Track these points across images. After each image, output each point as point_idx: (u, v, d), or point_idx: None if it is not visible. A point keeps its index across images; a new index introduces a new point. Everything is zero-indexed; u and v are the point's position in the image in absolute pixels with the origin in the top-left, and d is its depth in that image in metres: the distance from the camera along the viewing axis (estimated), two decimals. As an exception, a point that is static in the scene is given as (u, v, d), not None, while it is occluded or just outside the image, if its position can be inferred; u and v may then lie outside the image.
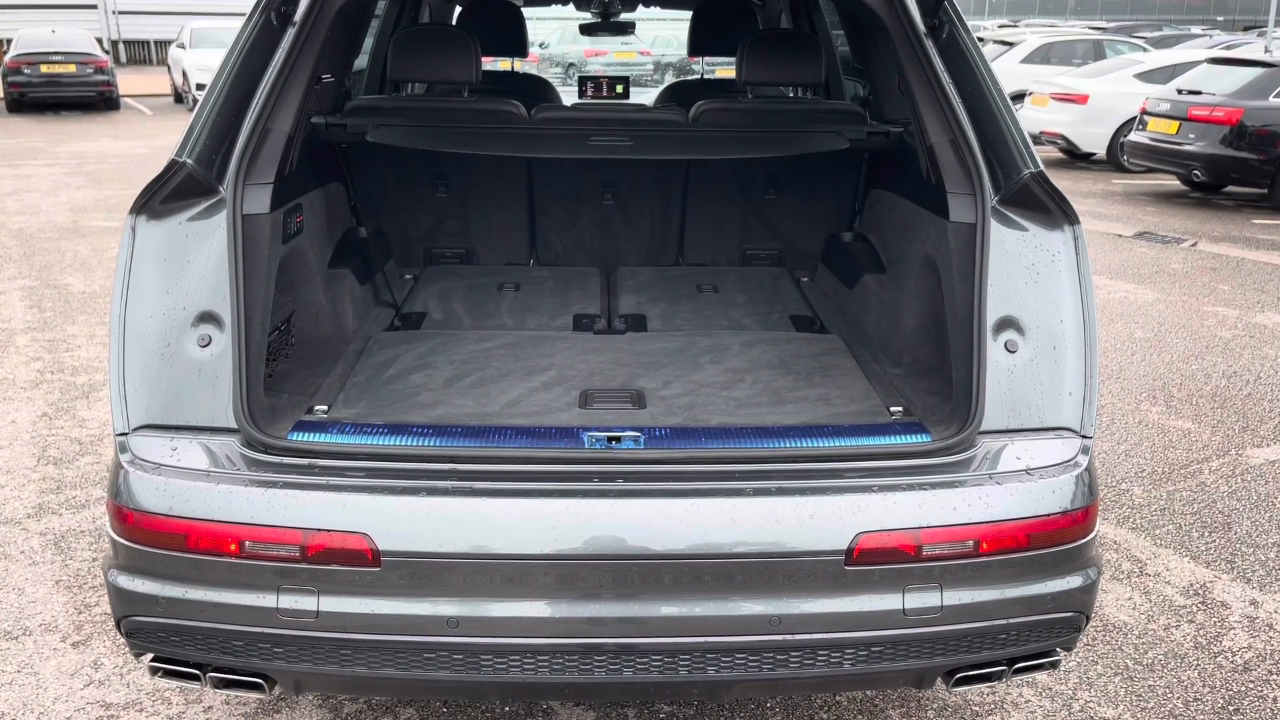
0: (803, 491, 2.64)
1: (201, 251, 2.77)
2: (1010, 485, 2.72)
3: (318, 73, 3.36)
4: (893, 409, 3.17)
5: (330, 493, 2.55)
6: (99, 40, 25.42)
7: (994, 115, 3.03)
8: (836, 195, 4.76)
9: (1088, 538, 2.79)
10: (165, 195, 2.75)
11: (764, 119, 4.50)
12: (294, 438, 2.81)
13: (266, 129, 3.01)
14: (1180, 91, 13.50)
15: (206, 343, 2.70)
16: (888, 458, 2.81)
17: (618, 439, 2.83)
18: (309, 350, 3.64)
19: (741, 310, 4.22)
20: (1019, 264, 2.90)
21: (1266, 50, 17.77)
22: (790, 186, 4.72)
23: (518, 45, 5.48)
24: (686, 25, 5.44)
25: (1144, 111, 13.73)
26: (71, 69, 22.22)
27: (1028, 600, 2.70)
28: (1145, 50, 19.69)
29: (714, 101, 4.51)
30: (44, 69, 22.02)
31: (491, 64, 6.52)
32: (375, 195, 4.70)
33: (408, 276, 4.71)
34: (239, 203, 2.83)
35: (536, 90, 5.88)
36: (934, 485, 2.69)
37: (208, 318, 2.72)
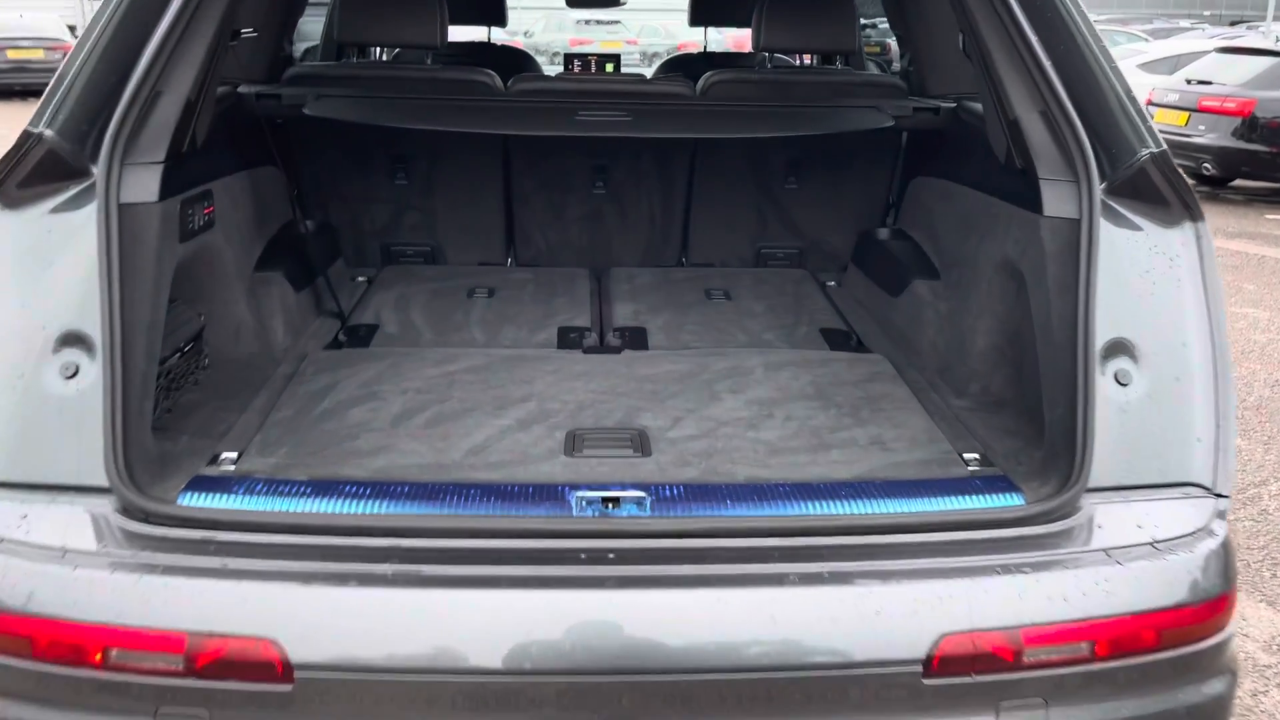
0: (865, 577, 2.02)
1: (67, 253, 2.10)
2: (1133, 565, 2.11)
3: (231, 24, 2.63)
4: (967, 456, 2.48)
5: (228, 580, 1.96)
6: (71, 27, 24.66)
7: (1096, 80, 2.37)
8: (868, 184, 4.04)
9: (1228, 632, 2.18)
10: (21, 178, 2.05)
11: (786, 92, 3.79)
12: (186, 501, 2.13)
13: (156, 93, 2.28)
14: (1189, 82, 12.94)
15: (72, 373, 2.07)
16: (972, 527, 2.15)
17: (615, 501, 2.18)
18: (225, 376, 2.89)
19: (761, 322, 3.50)
20: (1131, 271, 2.27)
21: (1278, 40, 17.20)
22: (814, 173, 4.00)
23: (494, 12, 4.74)
24: (673, 14, 4.66)
25: (1150, 102, 13.14)
26: (39, 54, 21.59)
27: (1156, 717, 2.11)
28: (1146, 41, 19.11)
29: (726, 72, 3.79)
30: (10, 54, 21.43)
31: (473, 38, 5.78)
32: (322, 182, 3.95)
33: (360, 279, 3.96)
34: (113, 188, 2.11)
35: (516, 64, 5.13)
36: (1035, 565, 2.08)
37: (74, 340, 2.07)
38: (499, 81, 3.74)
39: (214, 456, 2.40)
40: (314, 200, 3.98)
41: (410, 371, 2.94)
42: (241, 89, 3.37)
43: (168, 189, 2.35)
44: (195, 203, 2.61)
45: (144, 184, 2.27)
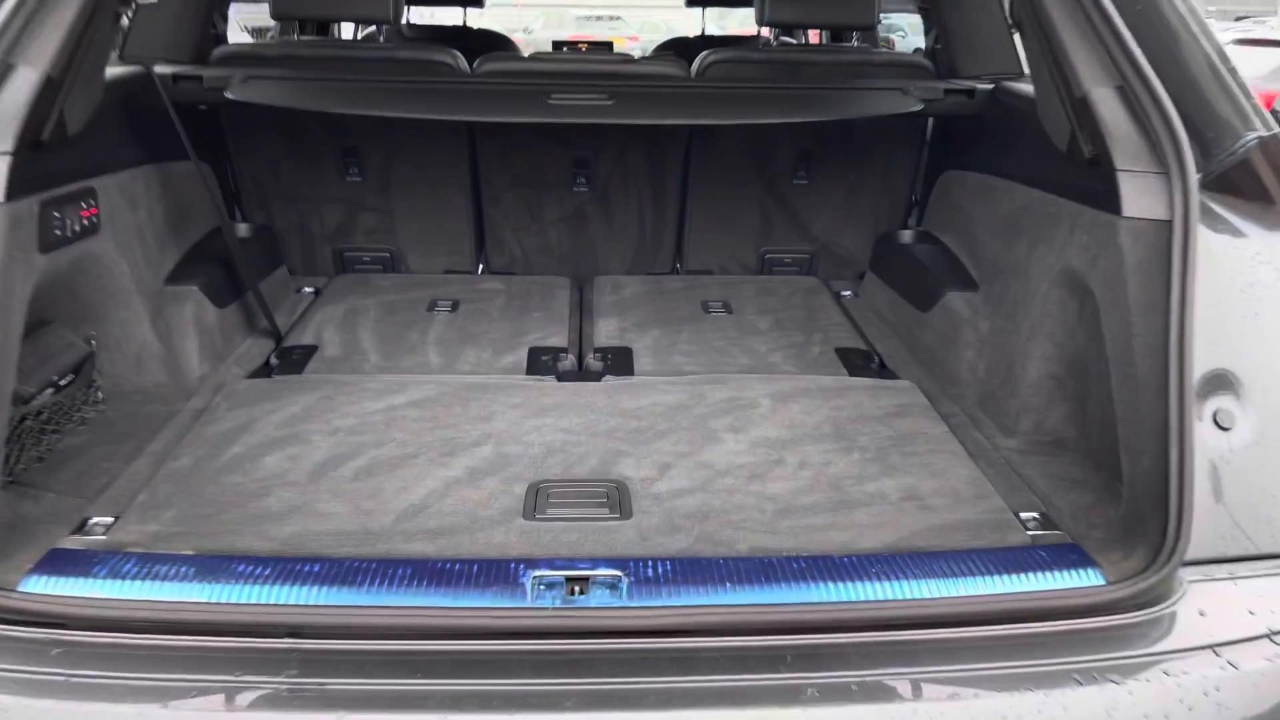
0: (906, 690, 1.57)
1: None
2: (1249, 666, 1.64)
3: None
4: (1024, 515, 2.01)
5: (71, 700, 1.51)
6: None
7: (1184, 45, 1.92)
8: (888, 179, 3.54)
9: None
10: None
11: (794, 73, 3.29)
12: (31, 586, 1.71)
13: (6, 65, 1.80)
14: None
15: None
16: (1043, 616, 1.70)
17: (583, 584, 1.75)
18: (122, 413, 2.40)
19: (767, 340, 3.00)
20: (1232, 287, 1.87)
21: (1294, 31, 16.65)
22: (826, 168, 3.50)
23: None
24: (678, 10, 4.19)
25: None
26: None
27: None
28: (1160, 33, 18.56)
29: (726, 50, 3.30)
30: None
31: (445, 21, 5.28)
32: (261, 180, 3.45)
33: (307, 290, 3.46)
34: None
35: (493, 47, 4.62)
36: (1124, 670, 1.62)
37: None
38: (464, 63, 3.24)
39: (82, 522, 1.92)
40: (254, 200, 3.48)
41: (345, 406, 2.44)
42: (157, 70, 2.87)
43: (19, 186, 1.86)
44: (65, 204, 2.11)
45: None
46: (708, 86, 2.92)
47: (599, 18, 26.04)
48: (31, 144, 1.90)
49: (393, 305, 3.24)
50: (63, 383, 2.21)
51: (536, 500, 2.04)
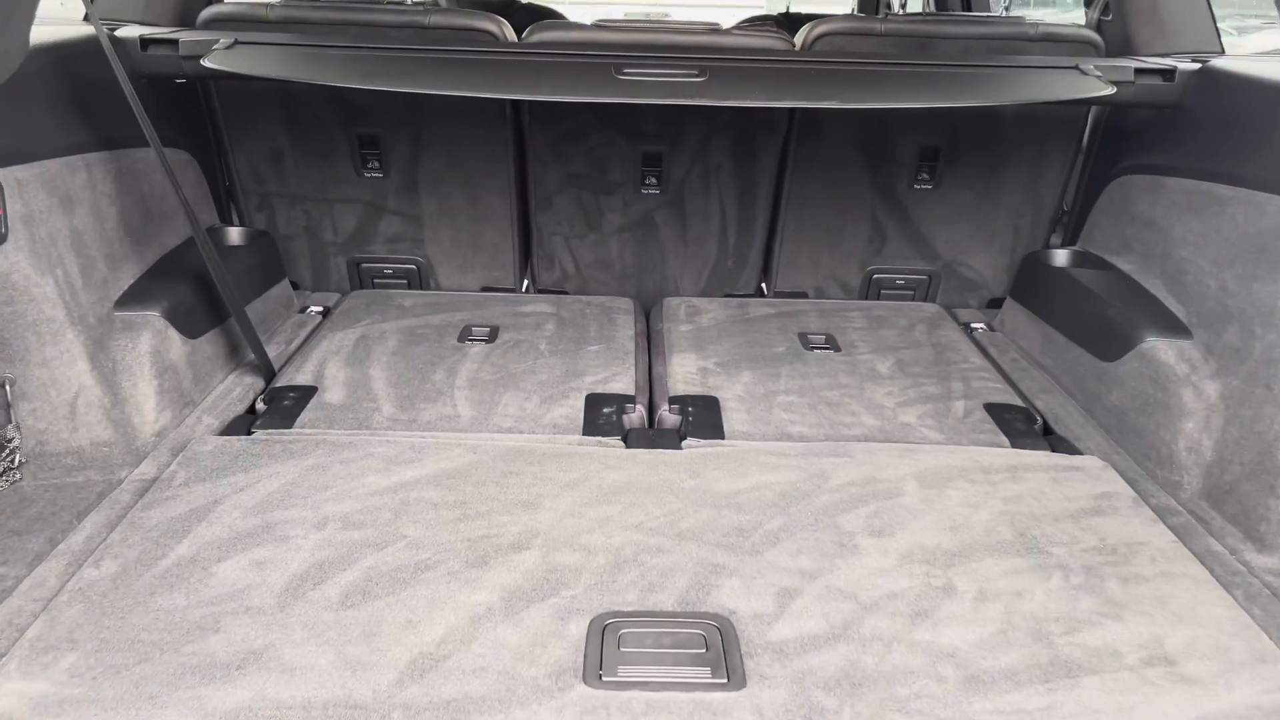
0: None
1: None
2: None
3: None
4: None
5: None
6: None
7: None
8: (1033, 184, 2.84)
9: None
10: None
11: (925, 49, 2.61)
12: None
13: None
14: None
15: None
16: None
17: None
18: (40, 485, 1.78)
19: (892, 390, 2.32)
20: None
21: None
22: (956, 168, 2.81)
23: None
24: (726, 11, 3.51)
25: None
26: None
27: None
28: (1234, 35, 17.52)
29: (839, 20, 2.63)
30: None
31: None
32: (262, 174, 2.83)
33: (314, 310, 2.84)
34: None
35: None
36: None
37: None
38: (511, 32, 2.60)
39: None
40: (253, 200, 2.86)
41: (342, 482, 1.80)
42: (125, 32, 2.26)
43: None
44: None
45: None
46: (825, 63, 2.26)
47: (647, 16, 25.44)
48: None
49: (416, 332, 2.60)
50: (-54, 452, 1.59)
51: (603, 650, 1.38)
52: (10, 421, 1.79)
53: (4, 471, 1.76)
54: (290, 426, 2.07)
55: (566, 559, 1.59)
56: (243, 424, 2.09)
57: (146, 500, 1.72)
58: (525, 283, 3.06)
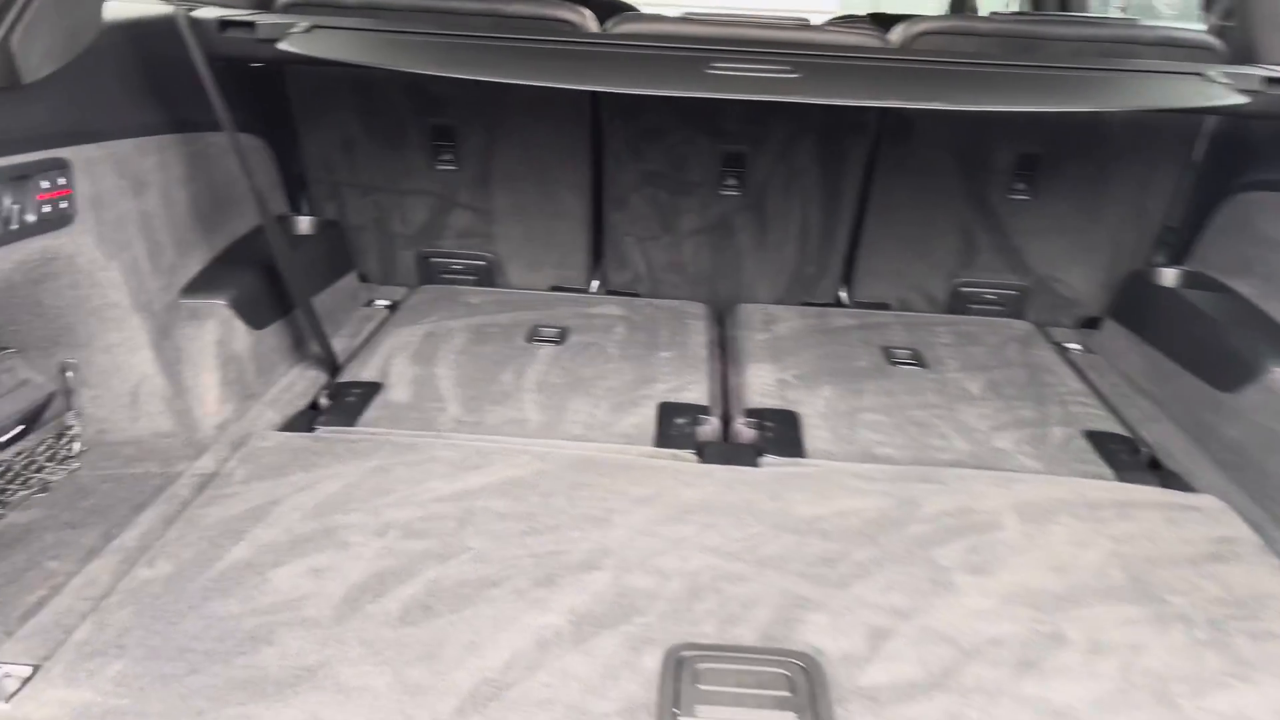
0: None
1: None
2: None
3: None
4: None
5: None
6: None
7: None
8: (1139, 199, 2.67)
9: None
10: None
11: (1032, 50, 2.46)
12: None
13: None
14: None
15: None
16: None
17: None
18: (98, 476, 1.73)
19: (984, 412, 2.18)
20: None
21: None
22: (1055, 178, 2.65)
23: None
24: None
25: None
26: None
27: None
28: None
29: (941, 20, 2.49)
30: None
31: None
32: (333, 162, 2.77)
33: (381, 303, 2.77)
34: None
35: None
36: None
37: None
38: (594, 22, 2.51)
39: None
40: (324, 189, 2.80)
41: (405, 486, 1.72)
42: (204, 13, 2.21)
43: None
44: (11, 184, 1.43)
45: None
46: (929, 62, 2.12)
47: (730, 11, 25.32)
48: None
49: (484, 331, 2.52)
50: (2, 439, 1.54)
51: (679, 685, 1.28)
52: (70, 408, 1.74)
53: (65, 458, 1.71)
54: (353, 424, 2.00)
55: (639, 582, 1.49)
56: (305, 420, 2.03)
57: (205, 497, 1.66)
58: (595, 283, 2.97)
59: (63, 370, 1.74)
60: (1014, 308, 2.85)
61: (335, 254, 2.64)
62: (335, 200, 2.81)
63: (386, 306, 2.75)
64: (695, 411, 2.13)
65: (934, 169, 2.67)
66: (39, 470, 1.65)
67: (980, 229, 2.76)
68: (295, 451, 1.83)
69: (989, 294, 2.85)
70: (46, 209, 1.51)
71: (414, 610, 1.40)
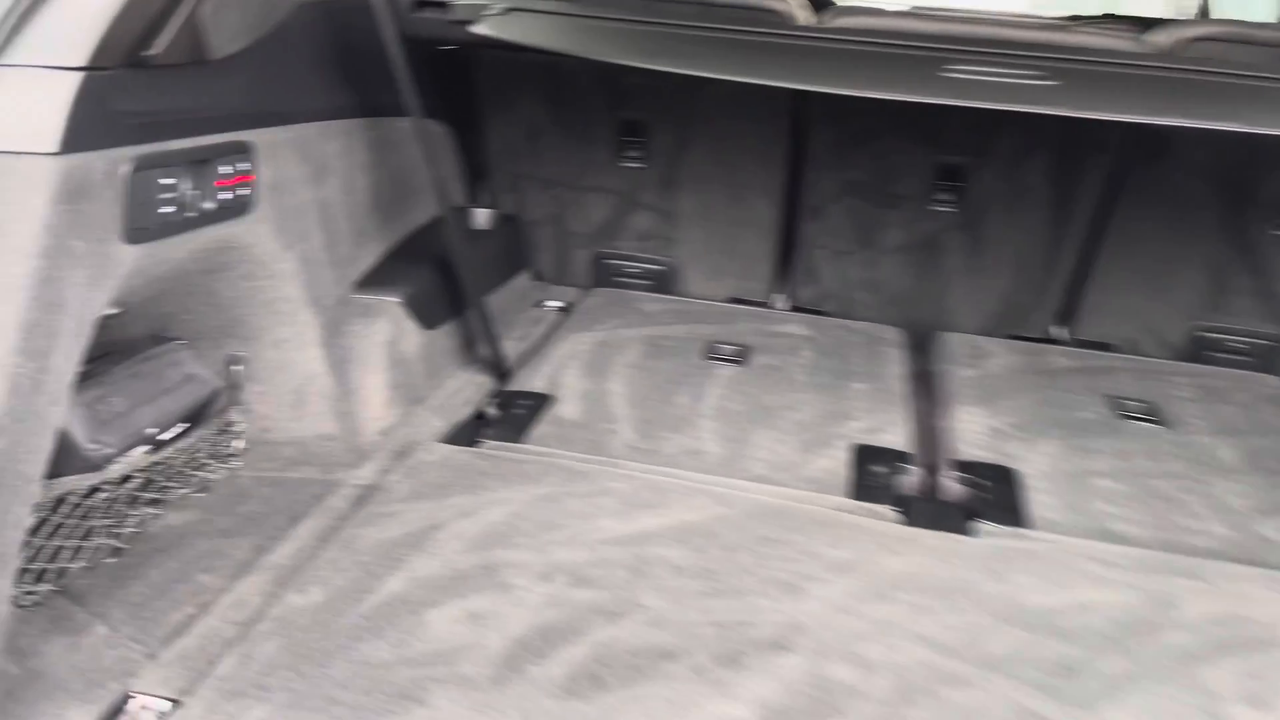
0: None
1: None
2: None
3: None
4: None
5: None
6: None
7: None
8: None
9: None
10: None
11: None
12: None
13: None
14: None
15: None
16: None
17: None
18: (257, 478, 1.64)
19: (1246, 489, 1.84)
20: None
21: None
22: None
23: None
24: None
25: None
26: None
27: None
28: None
29: (1218, 25, 2.15)
30: None
31: None
32: (517, 152, 2.65)
33: (552, 304, 2.63)
34: None
35: None
36: None
37: None
38: (806, 13, 2.28)
39: (121, 702, 1.13)
40: (504, 181, 2.68)
41: (575, 521, 1.55)
42: None
43: (91, 129, 1.08)
44: (189, 165, 1.33)
45: (31, 110, 1.02)
46: (1213, 74, 1.80)
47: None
48: (127, 60, 1.12)
49: (659, 344, 2.34)
50: (167, 436, 1.45)
51: None
52: (236, 404, 1.66)
53: (225, 457, 1.62)
54: (521, 440, 1.85)
55: (840, 673, 1.27)
56: (470, 431, 1.89)
57: (363, 515, 1.53)
58: (782, 298, 2.74)
59: (230, 363, 1.66)
60: (1265, 361, 2.46)
61: (511, 251, 2.51)
62: (514, 193, 2.69)
63: (559, 309, 2.61)
64: (894, 458, 1.88)
65: (1186, 198, 2.32)
66: (199, 468, 1.57)
67: (1235, 268, 2.38)
68: (460, 469, 1.69)
69: (1237, 343, 2.46)
70: (226, 196, 1.41)
71: (580, 680, 1.23)
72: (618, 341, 2.34)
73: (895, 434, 1.98)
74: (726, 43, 2.00)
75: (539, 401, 2.01)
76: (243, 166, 1.45)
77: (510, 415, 1.96)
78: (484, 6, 2.08)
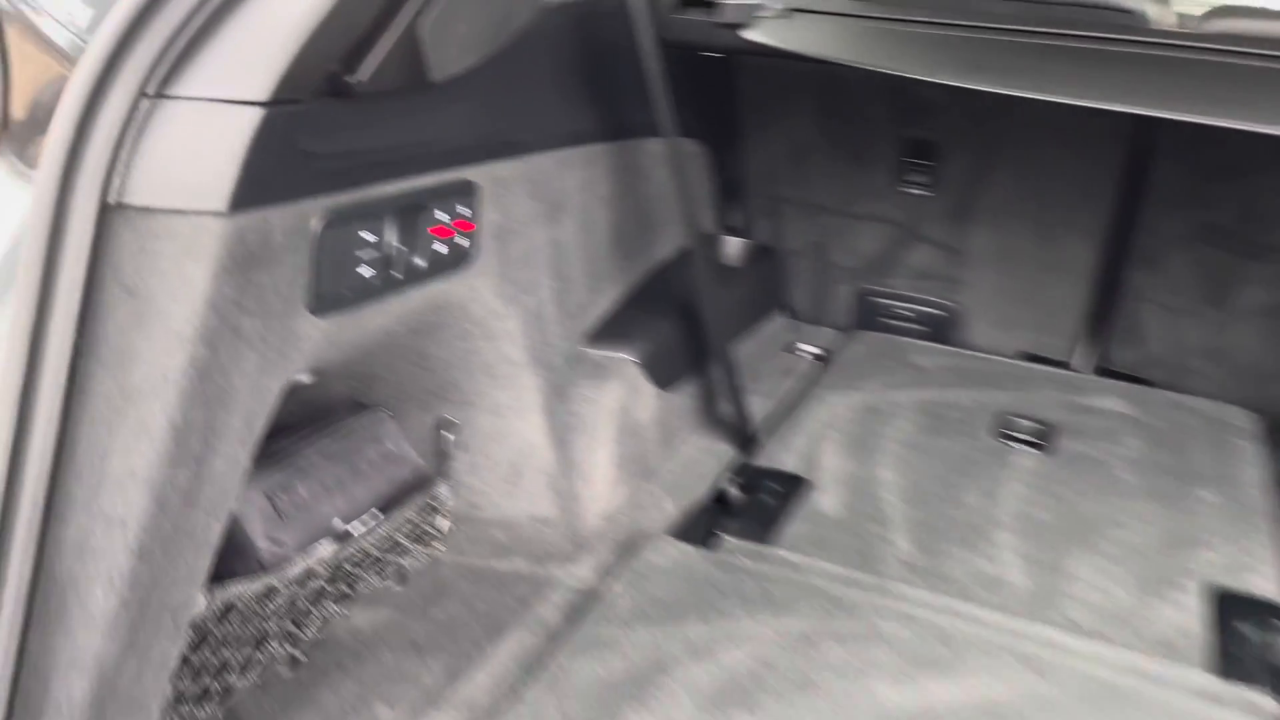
0: None
1: None
2: None
3: None
4: None
5: None
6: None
7: None
8: None
9: None
10: None
11: None
12: None
13: None
14: None
15: None
16: None
17: None
18: (460, 570, 1.39)
19: None
20: None
21: None
22: None
23: None
24: None
25: None
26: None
27: None
28: None
29: None
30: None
31: None
32: (778, 174, 2.30)
33: (806, 350, 2.27)
34: (76, 169, 0.63)
35: None
36: None
37: None
38: (1162, 13, 1.79)
39: None
40: (763, 205, 2.34)
41: (834, 681, 1.20)
42: None
43: (272, 177, 0.85)
44: (399, 216, 1.08)
45: (194, 158, 0.78)
46: None
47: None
48: (324, 90, 0.88)
49: (939, 412, 1.93)
50: (358, 529, 1.22)
51: None
52: (444, 477, 1.42)
53: (430, 538, 1.39)
54: (768, 541, 1.51)
55: None
56: (708, 520, 1.57)
57: (578, 640, 1.25)
58: (1093, 359, 2.24)
59: (439, 428, 1.42)
60: None
61: (767, 289, 2.18)
62: (771, 218, 2.34)
63: (814, 356, 2.24)
64: (1272, 614, 1.39)
65: None
66: (399, 553, 1.34)
67: None
68: (694, 580, 1.37)
69: None
70: (441, 248, 1.15)
71: None
72: (887, 408, 1.94)
73: (1267, 574, 1.48)
74: (1060, 52, 1.57)
75: (791, 486, 1.66)
76: (463, 211, 1.19)
77: (755, 501, 1.62)
78: (757, 5, 1.74)
